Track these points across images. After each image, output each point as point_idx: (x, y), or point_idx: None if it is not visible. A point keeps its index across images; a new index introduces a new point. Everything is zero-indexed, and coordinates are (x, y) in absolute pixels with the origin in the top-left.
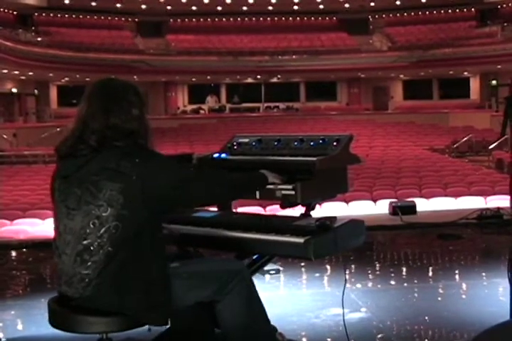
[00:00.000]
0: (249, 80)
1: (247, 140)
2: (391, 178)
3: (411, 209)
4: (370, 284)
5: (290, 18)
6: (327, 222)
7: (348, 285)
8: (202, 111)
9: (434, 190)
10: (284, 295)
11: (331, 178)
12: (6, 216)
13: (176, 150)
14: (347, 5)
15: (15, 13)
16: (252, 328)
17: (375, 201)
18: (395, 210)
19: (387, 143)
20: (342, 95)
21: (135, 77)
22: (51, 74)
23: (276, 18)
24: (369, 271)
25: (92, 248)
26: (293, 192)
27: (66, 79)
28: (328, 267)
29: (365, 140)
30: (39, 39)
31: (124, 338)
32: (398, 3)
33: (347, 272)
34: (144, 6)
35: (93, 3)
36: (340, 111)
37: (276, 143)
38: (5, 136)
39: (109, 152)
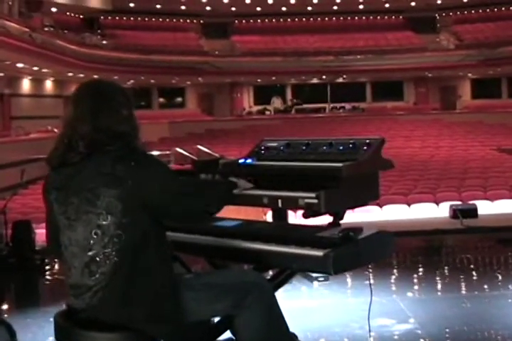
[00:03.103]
0: (315, 81)
1: (275, 144)
2: (456, 180)
3: (472, 212)
4: (420, 293)
5: (355, 18)
6: (351, 233)
7: (397, 294)
8: (267, 113)
9: (499, 192)
10: (330, 303)
11: (360, 185)
12: None
13: (241, 152)
14: (413, 3)
15: (81, 16)
16: None
17: (438, 203)
18: (455, 213)
19: (453, 143)
20: (409, 95)
21: (200, 78)
22: (116, 77)
23: (341, 18)
24: (421, 279)
25: (98, 259)
26: (316, 201)
27: (131, 81)
28: (378, 274)
29: (432, 140)
30: (104, 42)
31: None
32: (465, 0)
33: (392, 281)
34: (208, 8)
35: (158, 6)
36: (408, 111)
37: (304, 148)
38: None
39: (102, 156)
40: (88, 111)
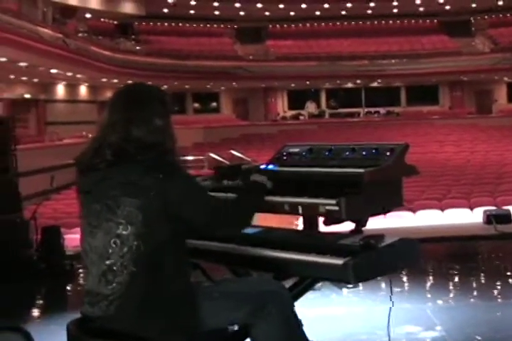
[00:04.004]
0: (349, 85)
1: (297, 149)
2: (491, 185)
3: (506, 217)
4: (450, 300)
5: (390, 22)
6: (372, 240)
7: (426, 300)
8: (301, 117)
9: None
10: (358, 311)
11: (382, 192)
12: None
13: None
14: (448, 7)
15: (115, 22)
16: None
17: (472, 208)
18: (489, 219)
19: (489, 147)
20: (444, 99)
21: (234, 83)
22: (150, 82)
23: (375, 22)
24: (451, 285)
25: (115, 268)
26: (337, 208)
27: (165, 86)
28: (410, 281)
29: (467, 145)
30: (138, 48)
31: None
32: (501, 3)
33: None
34: (242, 13)
35: (191, 11)
36: (443, 116)
37: (327, 153)
38: None
39: (129, 166)
40: (120, 121)
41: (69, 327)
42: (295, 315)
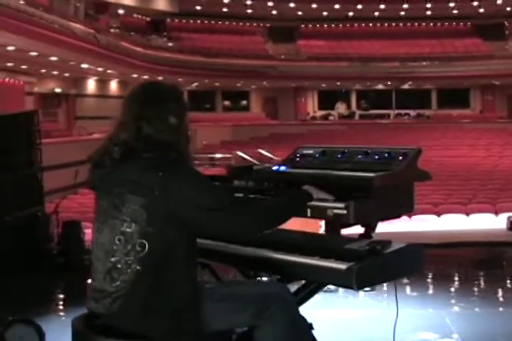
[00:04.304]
0: (380, 87)
1: (310, 151)
2: None
3: None
4: (468, 307)
5: (422, 24)
6: (378, 246)
7: (445, 307)
8: (331, 118)
9: None
10: (374, 315)
11: (393, 196)
12: None
13: None
14: (481, 10)
15: (147, 19)
16: None
17: (497, 214)
18: None
19: None
20: (475, 103)
21: (265, 82)
22: (180, 79)
23: (408, 24)
24: (470, 293)
25: (119, 266)
26: (345, 211)
27: (195, 84)
28: (430, 286)
29: (497, 149)
30: (170, 44)
31: None
32: None
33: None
34: (274, 12)
35: (224, 9)
36: (473, 119)
37: (339, 156)
38: None
39: (134, 163)
40: (133, 119)
41: (74, 322)
42: (302, 317)
